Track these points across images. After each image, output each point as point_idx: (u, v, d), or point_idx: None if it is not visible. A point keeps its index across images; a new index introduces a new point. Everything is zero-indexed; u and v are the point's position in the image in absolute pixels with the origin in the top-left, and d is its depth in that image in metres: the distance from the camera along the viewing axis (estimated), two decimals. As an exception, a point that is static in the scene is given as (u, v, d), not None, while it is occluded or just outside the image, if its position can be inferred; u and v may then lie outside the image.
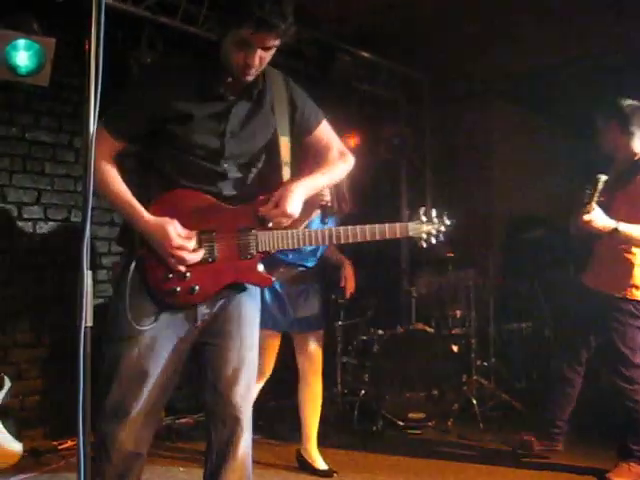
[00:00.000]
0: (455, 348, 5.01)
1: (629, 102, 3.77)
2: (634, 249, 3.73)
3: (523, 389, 5.62)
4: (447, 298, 5.50)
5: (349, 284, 4.15)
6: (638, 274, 3.73)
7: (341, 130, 6.64)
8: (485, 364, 5.46)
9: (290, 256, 3.73)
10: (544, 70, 5.98)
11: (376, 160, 6.52)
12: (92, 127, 1.55)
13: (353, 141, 6.09)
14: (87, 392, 1.55)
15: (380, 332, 5.11)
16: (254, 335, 2.46)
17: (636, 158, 3.79)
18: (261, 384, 3.89)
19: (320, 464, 3.95)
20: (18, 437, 3.74)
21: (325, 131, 2.48)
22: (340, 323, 5.12)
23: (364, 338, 5.20)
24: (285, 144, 2.35)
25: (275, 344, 3.84)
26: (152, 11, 4.54)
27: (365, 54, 5.94)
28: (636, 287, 3.72)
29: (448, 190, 6.73)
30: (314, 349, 3.92)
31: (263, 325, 3.68)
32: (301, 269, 3.82)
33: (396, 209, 6.81)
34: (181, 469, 3.97)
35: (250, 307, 2.44)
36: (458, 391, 4.91)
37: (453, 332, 5.29)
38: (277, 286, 3.75)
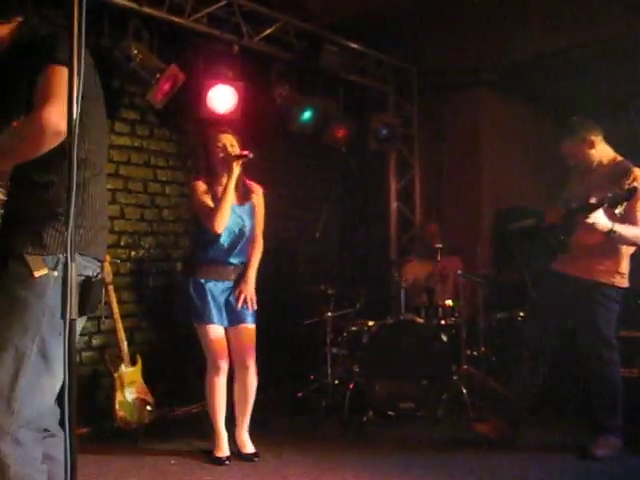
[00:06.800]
0: (445, 338, 5.03)
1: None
2: None
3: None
4: (436, 288, 5.51)
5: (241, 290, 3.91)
6: (624, 263, 4.02)
7: (329, 121, 6.61)
8: (475, 353, 5.47)
9: (210, 253, 3.81)
10: (531, 60, 5.98)
11: (365, 151, 6.53)
12: (74, 115, 1.54)
13: (341, 132, 6.10)
14: (73, 383, 1.55)
15: (370, 323, 5.11)
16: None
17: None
18: (223, 378, 3.91)
19: (246, 448, 3.98)
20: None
21: None
22: (330, 314, 5.12)
23: (354, 329, 5.20)
24: None
25: (221, 338, 3.87)
26: (138, 2, 4.51)
27: (353, 44, 5.92)
28: (621, 275, 4.01)
29: (437, 180, 6.74)
30: (242, 343, 3.91)
31: (208, 320, 3.78)
32: (228, 266, 3.88)
33: (385, 199, 6.82)
34: (172, 461, 3.97)
35: None
36: (448, 380, 4.93)
37: (443, 322, 5.30)
38: (206, 283, 3.82)
